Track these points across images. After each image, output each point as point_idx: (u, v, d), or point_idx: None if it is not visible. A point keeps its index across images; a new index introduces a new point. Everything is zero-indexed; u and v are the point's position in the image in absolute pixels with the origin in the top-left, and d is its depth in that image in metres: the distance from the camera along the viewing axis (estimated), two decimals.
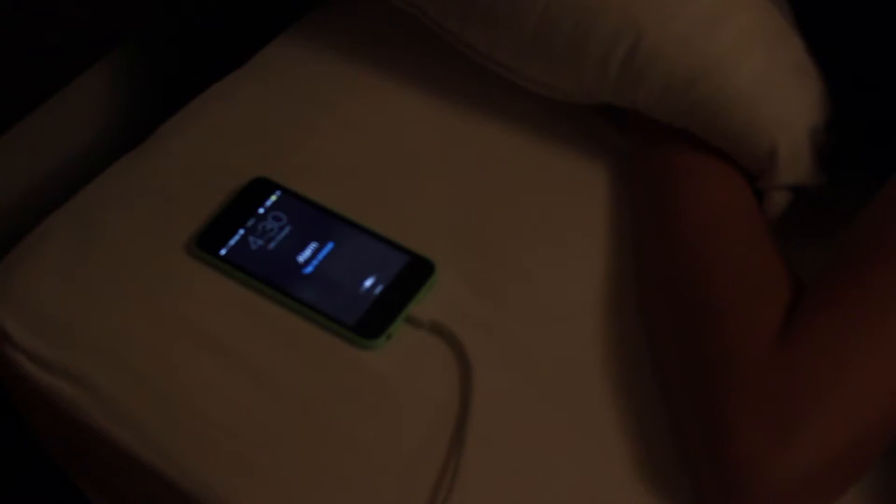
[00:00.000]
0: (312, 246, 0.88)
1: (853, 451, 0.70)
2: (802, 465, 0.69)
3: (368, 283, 0.86)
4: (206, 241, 0.89)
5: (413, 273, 0.86)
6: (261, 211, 0.90)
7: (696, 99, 0.85)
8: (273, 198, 0.91)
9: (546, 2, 0.88)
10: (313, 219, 0.90)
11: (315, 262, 0.87)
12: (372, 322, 0.84)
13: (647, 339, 0.82)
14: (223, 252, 0.88)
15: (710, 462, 0.72)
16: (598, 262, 0.87)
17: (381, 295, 0.85)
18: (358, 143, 0.96)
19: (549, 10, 0.88)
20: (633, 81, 0.87)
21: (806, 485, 0.70)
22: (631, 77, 0.87)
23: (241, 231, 0.89)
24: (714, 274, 0.78)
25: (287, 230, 0.89)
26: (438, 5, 0.94)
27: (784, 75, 0.85)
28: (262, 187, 0.92)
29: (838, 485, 0.72)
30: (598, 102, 0.92)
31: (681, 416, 0.77)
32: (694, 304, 0.78)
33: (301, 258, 0.88)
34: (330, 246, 0.88)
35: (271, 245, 0.88)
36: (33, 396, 0.87)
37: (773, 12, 0.88)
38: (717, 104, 0.84)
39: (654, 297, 0.83)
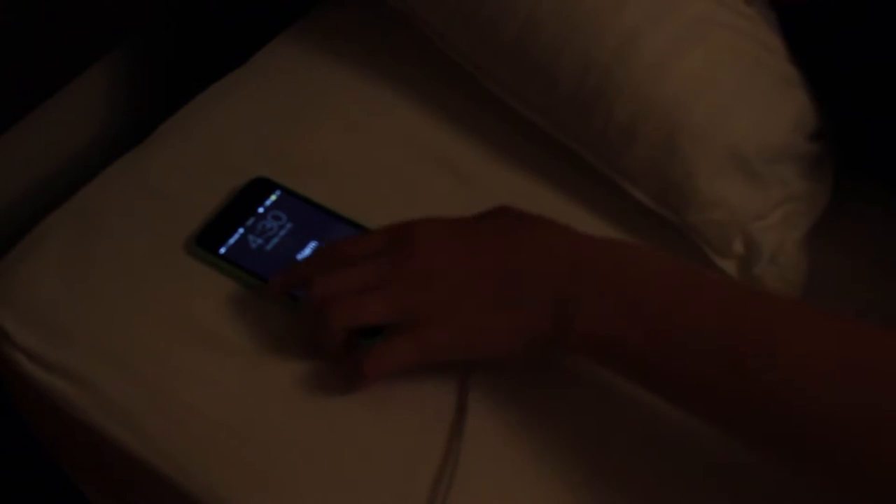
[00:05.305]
0: (312, 245, 0.88)
1: None
2: None
3: None
4: (206, 240, 0.89)
5: None
6: (261, 210, 0.90)
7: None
8: (273, 197, 0.91)
9: (529, 10, 0.88)
10: (313, 218, 0.90)
11: None
12: None
13: None
14: (223, 251, 0.88)
15: None
16: None
17: None
18: (358, 142, 0.96)
19: (532, 16, 0.88)
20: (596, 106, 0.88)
21: None
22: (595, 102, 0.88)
23: (241, 230, 0.89)
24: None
25: (287, 229, 0.89)
26: (426, 3, 0.94)
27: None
28: (262, 187, 0.92)
29: None
30: (556, 127, 0.93)
31: None
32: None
33: (301, 257, 0.88)
34: None
35: (271, 244, 0.88)
36: (33, 396, 0.87)
37: (751, 30, 0.89)
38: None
39: None
